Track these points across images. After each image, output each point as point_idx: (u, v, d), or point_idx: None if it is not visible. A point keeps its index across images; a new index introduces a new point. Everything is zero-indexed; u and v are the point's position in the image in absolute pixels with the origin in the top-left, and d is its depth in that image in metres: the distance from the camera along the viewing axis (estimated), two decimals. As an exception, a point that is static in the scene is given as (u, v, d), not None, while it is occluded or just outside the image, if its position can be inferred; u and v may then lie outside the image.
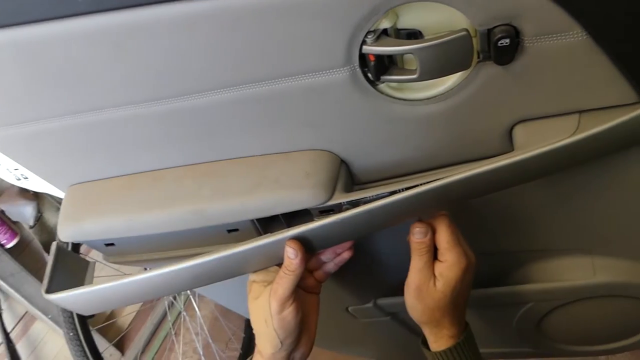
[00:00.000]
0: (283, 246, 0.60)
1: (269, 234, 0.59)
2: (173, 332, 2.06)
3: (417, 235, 0.63)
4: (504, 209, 0.70)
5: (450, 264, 0.63)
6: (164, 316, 2.15)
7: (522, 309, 0.86)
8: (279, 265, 0.62)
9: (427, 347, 0.69)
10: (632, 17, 0.45)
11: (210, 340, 1.92)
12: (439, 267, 0.63)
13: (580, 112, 0.55)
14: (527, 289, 0.81)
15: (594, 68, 0.50)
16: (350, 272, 0.81)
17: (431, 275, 0.63)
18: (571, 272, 0.79)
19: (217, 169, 0.63)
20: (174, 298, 2.06)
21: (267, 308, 0.62)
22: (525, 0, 0.45)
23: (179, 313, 2.09)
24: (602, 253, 0.77)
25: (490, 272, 0.82)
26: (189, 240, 0.69)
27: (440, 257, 0.64)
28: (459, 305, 0.66)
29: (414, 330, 0.97)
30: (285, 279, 0.61)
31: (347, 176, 0.64)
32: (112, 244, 0.71)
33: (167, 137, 0.61)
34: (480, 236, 0.75)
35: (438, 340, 0.67)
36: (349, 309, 0.89)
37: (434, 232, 0.63)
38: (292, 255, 0.59)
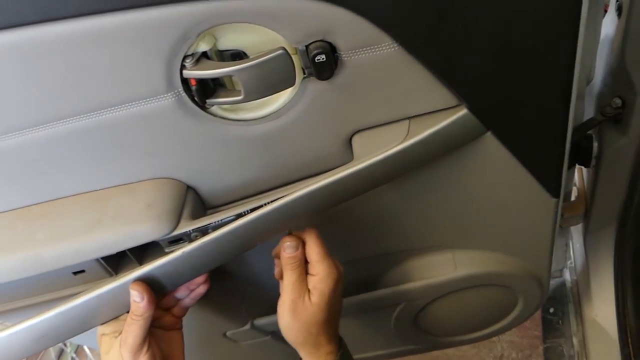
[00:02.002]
0: (127, 290, 0.56)
1: (109, 279, 0.56)
2: (64, 380, 1.93)
3: (289, 250, 0.61)
4: (363, 216, 0.72)
5: (322, 276, 0.62)
6: (55, 363, 2.00)
7: (396, 309, 0.88)
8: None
9: None
10: (436, 28, 0.47)
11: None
12: (312, 281, 0.62)
13: (410, 118, 0.57)
14: (397, 290, 0.83)
15: (412, 76, 0.52)
16: (222, 296, 0.79)
17: (305, 289, 0.62)
18: (435, 269, 0.82)
19: (53, 209, 0.59)
20: (64, 343, 1.92)
21: None
22: (335, 16, 0.46)
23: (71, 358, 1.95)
24: (460, 247, 0.81)
25: (361, 278, 0.83)
26: (33, 287, 0.64)
27: (311, 270, 0.63)
28: (333, 319, 0.65)
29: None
30: (134, 326, 0.57)
31: (195, 202, 0.62)
32: (-56, 303, 0.64)
33: (-7, 180, 0.57)
34: (343, 245, 0.76)
35: None
36: (227, 334, 0.87)
37: (303, 245, 0.63)
38: (137, 299, 0.56)
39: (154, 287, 0.57)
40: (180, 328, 0.67)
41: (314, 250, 0.62)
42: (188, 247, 0.55)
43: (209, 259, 0.58)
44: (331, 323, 0.64)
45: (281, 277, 0.65)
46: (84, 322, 0.58)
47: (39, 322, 0.55)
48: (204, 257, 0.57)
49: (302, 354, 0.65)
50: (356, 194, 0.59)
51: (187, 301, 0.65)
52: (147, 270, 0.56)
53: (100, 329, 0.62)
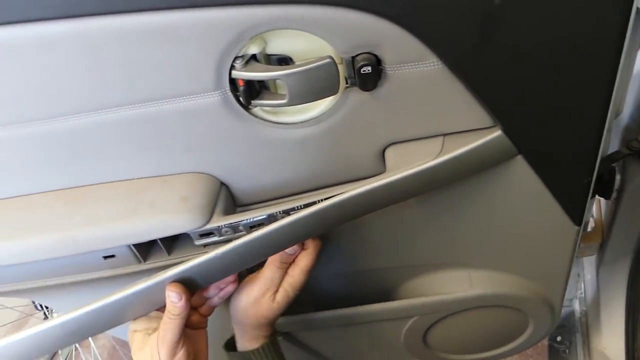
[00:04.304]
0: (164, 289, 0.57)
1: (146, 279, 0.56)
2: (66, 366, 1.95)
3: (289, 250, 0.64)
4: (384, 227, 0.73)
5: (296, 283, 0.66)
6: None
7: (407, 323, 0.89)
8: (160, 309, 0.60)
9: (233, 349, 0.72)
10: (481, 49, 0.49)
11: (108, 371, 1.83)
12: (286, 280, 0.66)
13: (445, 135, 0.59)
14: (411, 303, 0.84)
15: (451, 94, 0.54)
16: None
17: (276, 288, 0.66)
18: (450, 285, 0.83)
19: (91, 193, 0.61)
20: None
21: (155, 357, 0.59)
22: (384, 30, 0.48)
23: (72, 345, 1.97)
24: (477, 266, 0.81)
25: (375, 289, 0.84)
26: (63, 267, 0.66)
27: (291, 271, 0.66)
28: (280, 315, 0.69)
29: (307, 348, 0.97)
30: (171, 324, 0.58)
31: (227, 198, 0.64)
32: (-24, 275, 0.66)
33: (36, 161, 0.59)
34: (363, 253, 0.77)
35: (253, 339, 0.69)
36: (241, 331, 0.88)
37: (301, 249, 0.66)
38: (175, 299, 0.57)
39: (188, 285, 0.58)
40: (205, 327, 0.68)
41: (305, 261, 0.65)
42: (222, 250, 0.56)
43: (242, 260, 0.59)
44: (276, 319, 0.69)
45: None
46: (116, 318, 0.59)
47: (73, 318, 0.56)
48: (237, 258, 0.58)
49: (239, 328, 0.70)
50: (386, 204, 0.60)
51: (216, 300, 0.66)
52: (183, 270, 0.57)
53: (132, 326, 0.63)
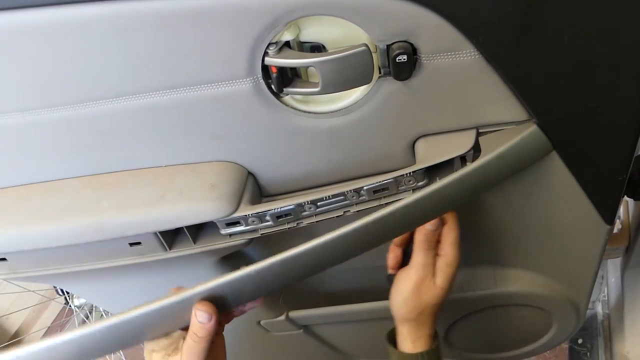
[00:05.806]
0: (189, 306, 0.53)
1: (171, 295, 0.53)
2: None
3: (430, 226, 0.62)
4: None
5: (450, 259, 0.64)
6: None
7: (430, 319, 0.88)
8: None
9: (394, 345, 0.68)
10: (520, 40, 0.48)
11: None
12: (439, 262, 0.64)
13: (477, 127, 0.58)
14: (434, 299, 0.83)
15: (486, 86, 0.52)
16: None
17: (433, 270, 0.64)
18: (474, 283, 0.82)
19: (119, 179, 0.61)
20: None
21: None
22: (421, 18, 0.47)
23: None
24: (502, 264, 0.80)
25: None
26: (89, 254, 0.66)
27: (441, 251, 0.64)
28: (442, 305, 0.66)
29: (325, 342, 0.97)
30: (196, 348, 0.53)
31: (254, 188, 0.63)
32: (3, 259, 0.66)
33: (63, 146, 0.59)
34: (385, 248, 0.76)
35: (417, 340, 0.66)
36: (261, 322, 0.88)
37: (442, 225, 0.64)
38: (204, 320, 0.52)
39: (217, 303, 0.54)
40: (222, 331, 0.63)
41: (452, 233, 0.64)
42: (257, 266, 0.52)
43: (280, 278, 0.55)
44: (440, 308, 0.66)
45: (395, 264, 0.67)
46: (135, 337, 0.55)
47: (85, 334, 0.53)
48: (276, 276, 0.54)
49: (403, 328, 0.67)
50: (431, 218, 0.59)
51: (237, 313, 0.61)
52: (213, 286, 0.53)
53: (150, 345, 0.58)
